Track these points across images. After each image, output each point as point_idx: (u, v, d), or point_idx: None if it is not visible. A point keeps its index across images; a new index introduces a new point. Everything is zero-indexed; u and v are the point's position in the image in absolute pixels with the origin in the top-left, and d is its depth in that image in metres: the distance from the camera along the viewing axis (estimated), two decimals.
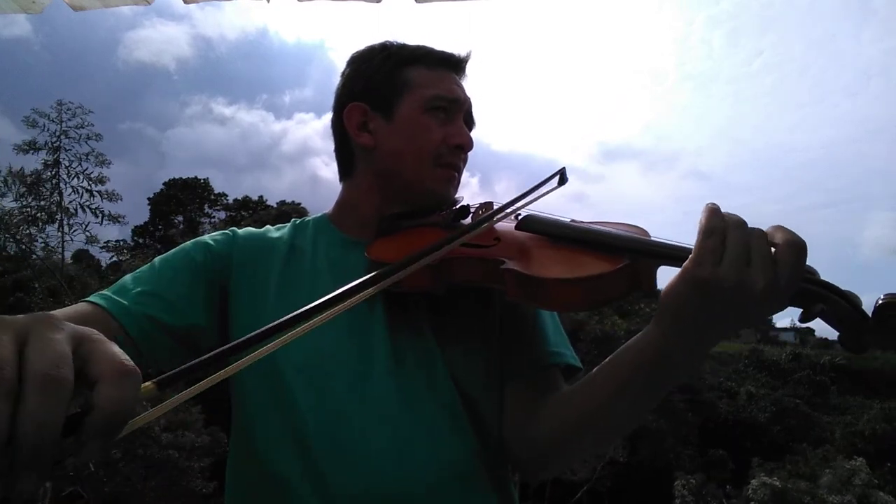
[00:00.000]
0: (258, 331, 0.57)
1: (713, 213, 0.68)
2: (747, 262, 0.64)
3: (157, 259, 0.95)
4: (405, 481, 0.81)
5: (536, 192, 0.92)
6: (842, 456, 20.06)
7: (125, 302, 0.85)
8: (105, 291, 0.88)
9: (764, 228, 0.68)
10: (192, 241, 0.99)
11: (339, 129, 1.04)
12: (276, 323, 0.58)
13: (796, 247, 0.65)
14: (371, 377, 0.87)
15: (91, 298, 0.86)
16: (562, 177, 0.97)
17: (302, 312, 0.60)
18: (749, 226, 0.67)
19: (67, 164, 11.64)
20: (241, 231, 1.02)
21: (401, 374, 0.87)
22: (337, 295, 0.63)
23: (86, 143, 11.82)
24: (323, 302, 0.61)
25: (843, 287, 0.67)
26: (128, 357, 0.44)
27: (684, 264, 0.68)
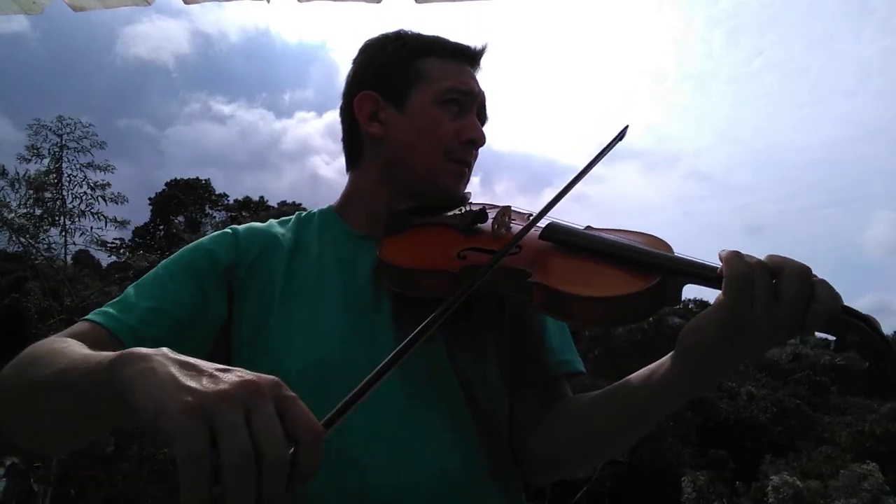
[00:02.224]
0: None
1: (735, 258, 0.69)
2: (777, 300, 0.66)
3: (160, 266, 0.92)
4: (407, 489, 0.80)
5: (606, 153, 0.91)
6: (850, 456, 19.99)
7: (131, 321, 0.82)
8: (108, 308, 0.85)
9: (783, 259, 0.69)
10: (193, 245, 0.95)
11: (349, 118, 1.01)
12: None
13: (831, 289, 0.67)
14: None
15: (94, 317, 0.83)
16: (622, 134, 0.96)
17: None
18: (774, 259, 0.69)
19: (69, 173, 11.80)
20: (241, 228, 0.99)
21: (407, 381, 0.85)
22: (402, 347, 0.65)
23: (88, 152, 11.97)
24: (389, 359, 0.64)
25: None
26: (315, 419, 0.51)
27: (717, 311, 0.69)
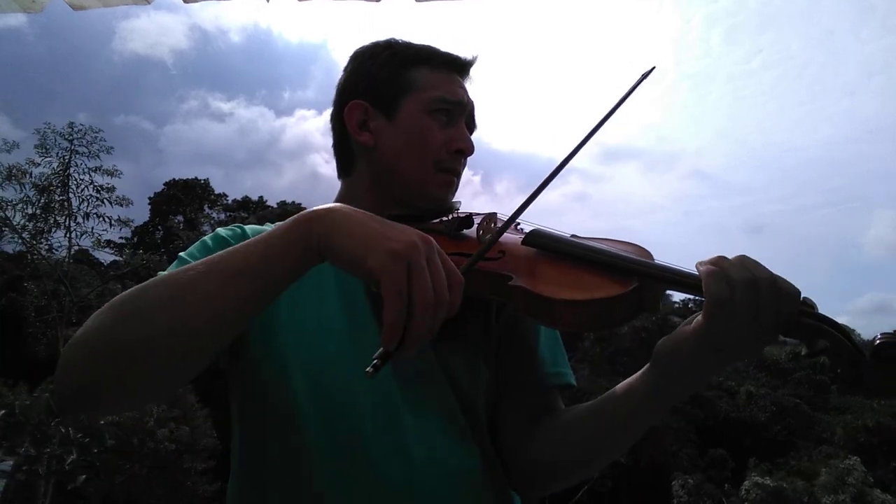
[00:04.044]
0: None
1: (714, 279, 0.69)
2: (757, 317, 0.68)
3: (182, 255, 0.93)
4: (417, 478, 0.81)
5: (631, 92, 0.93)
6: (844, 452, 20.04)
7: None
8: None
9: (758, 272, 0.69)
10: (210, 235, 0.97)
11: (339, 126, 1.02)
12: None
13: (792, 293, 0.69)
14: (371, 384, 0.85)
15: None
16: (647, 74, 0.97)
17: None
18: (751, 273, 0.68)
19: (77, 177, 11.97)
20: (248, 227, 1.01)
21: (400, 381, 0.86)
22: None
23: (97, 157, 12.15)
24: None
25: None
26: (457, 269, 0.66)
27: (695, 325, 0.71)
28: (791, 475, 18.71)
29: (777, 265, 0.70)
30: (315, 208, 0.69)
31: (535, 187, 0.83)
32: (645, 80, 0.95)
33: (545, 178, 0.84)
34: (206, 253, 0.91)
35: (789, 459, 22.10)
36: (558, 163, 0.87)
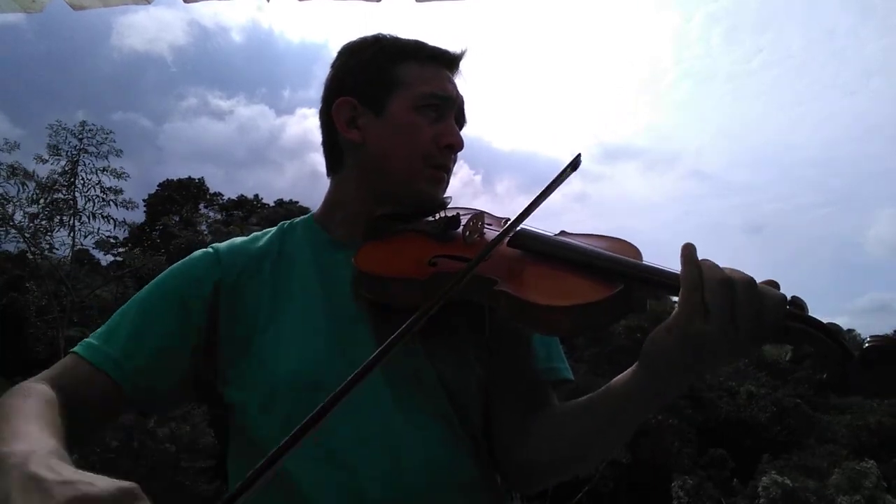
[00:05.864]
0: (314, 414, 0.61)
1: (692, 264, 0.70)
2: (734, 317, 0.67)
3: (144, 291, 0.93)
4: (400, 483, 0.80)
5: (556, 186, 0.87)
6: (847, 451, 20.01)
7: (113, 353, 0.85)
8: (92, 339, 0.87)
9: (736, 274, 0.69)
10: (176, 269, 0.96)
11: (328, 123, 1.01)
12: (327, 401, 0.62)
13: (775, 299, 0.68)
14: (360, 388, 0.86)
15: (78, 349, 0.85)
16: (575, 162, 0.90)
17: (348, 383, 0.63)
18: (727, 273, 0.69)
19: (84, 176, 11.97)
20: (223, 246, 0.98)
21: (393, 385, 0.86)
22: (378, 353, 0.65)
23: (105, 158, 12.17)
24: (367, 364, 0.63)
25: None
26: None
27: (672, 320, 0.70)
28: (801, 474, 18.69)
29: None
30: (13, 452, 0.57)
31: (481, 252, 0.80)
32: (573, 172, 0.88)
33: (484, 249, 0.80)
34: (170, 294, 0.91)
35: (794, 456, 22.07)
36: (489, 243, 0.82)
